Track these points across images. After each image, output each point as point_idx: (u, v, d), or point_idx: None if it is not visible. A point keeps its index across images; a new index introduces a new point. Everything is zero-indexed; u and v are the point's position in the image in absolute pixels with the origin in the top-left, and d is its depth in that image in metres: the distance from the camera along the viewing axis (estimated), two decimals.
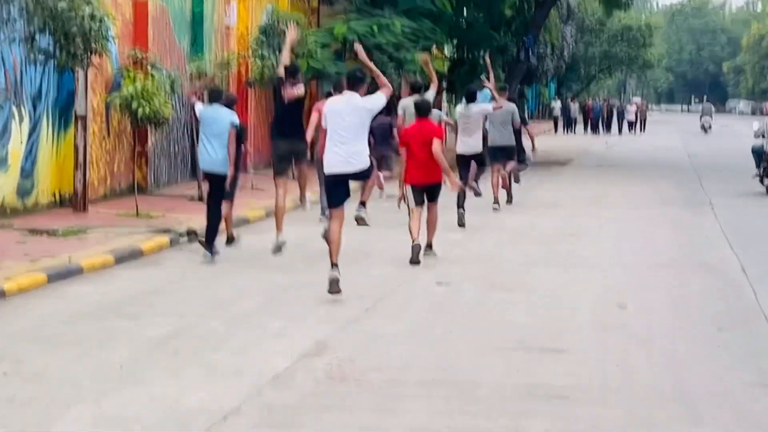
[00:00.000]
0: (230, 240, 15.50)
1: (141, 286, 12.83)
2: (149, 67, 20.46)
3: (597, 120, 67.33)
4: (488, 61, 23.44)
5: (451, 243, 16.42)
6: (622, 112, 70.00)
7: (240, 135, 14.97)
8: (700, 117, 69.34)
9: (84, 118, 18.52)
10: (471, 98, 19.51)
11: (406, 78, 29.81)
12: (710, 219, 20.40)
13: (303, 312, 11.32)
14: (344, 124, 12.20)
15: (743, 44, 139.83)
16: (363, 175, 12.50)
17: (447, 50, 42.60)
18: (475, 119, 19.05)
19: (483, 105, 19.96)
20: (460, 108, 19.68)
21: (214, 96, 15.06)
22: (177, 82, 21.02)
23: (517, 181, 22.98)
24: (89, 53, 16.89)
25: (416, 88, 16.91)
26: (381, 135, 19.05)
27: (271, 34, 26.17)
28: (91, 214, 18.20)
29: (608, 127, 67.98)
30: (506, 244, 16.75)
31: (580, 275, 13.87)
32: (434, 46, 34.61)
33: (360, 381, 8.60)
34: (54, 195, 18.73)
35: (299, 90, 14.40)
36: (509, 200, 22.29)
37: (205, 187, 15.64)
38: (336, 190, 12.37)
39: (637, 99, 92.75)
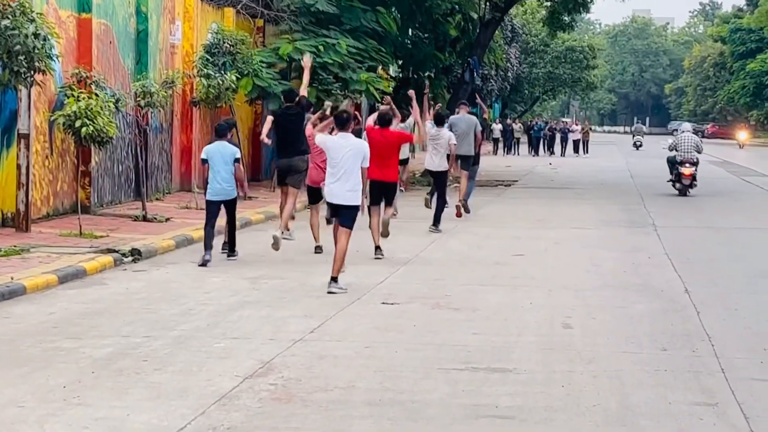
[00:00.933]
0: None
1: (84, 306, 12.72)
2: (93, 86, 20.34)
3: (537, 140, 66.25)
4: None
5: (396, 263, 16.45)
6: (566, 133, 69.35)
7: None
8: (633, 136, 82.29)
9: (27, 137, 18.35)
10: (440, 122, 21.62)
11: (352, 99, 29.98)
12: (654, 240, 20.56)
13: (248, 332, 11.28)
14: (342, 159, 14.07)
15: (685, 66, 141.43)
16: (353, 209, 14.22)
17: (392, 70, 42.71)
18: (444, 141, 21.29)
19: (450, 132, 21.91)
20: (430, 129, 21.45)
21: (221, 129, 16.99)
22: (121, 101, 20.92)
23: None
24: (33, 71, 16.73)
25: (385, 121, 17.36)
26: None
27: (216, 53, 26.11)
28: (34, 234, 18.02)
29: (551, 149, 67.00)
30: (452, 265, 16.77)
31: (526, 295, 13.91)
32: (379, 66, 34.71)
33: (306, 401, 8.57)
34: None
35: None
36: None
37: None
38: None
39: (567, 119, 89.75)
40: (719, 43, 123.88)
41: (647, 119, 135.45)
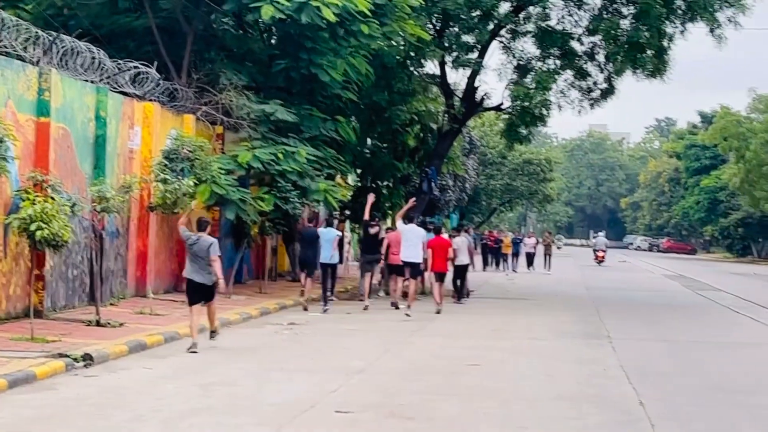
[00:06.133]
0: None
1: (34, 411, 12.53)
2: (50, 190, 20.25)
3: (483, 252, 59.24)
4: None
5: (350, 371, 16.35)
6: (517, 244, 60.68)
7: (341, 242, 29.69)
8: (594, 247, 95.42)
9: None
10: (457, 231, 35.45)
11: (310, 207, 30.15)
12: (608, 352, 20.57)
13: None
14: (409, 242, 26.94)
15: (641, 181, 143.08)
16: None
17: (351, 179, 42.91)
18: (464, 245, 32.92)
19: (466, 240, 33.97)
20: (455, 238, 32.96)
21: (329, 222, 29.24)
22: (78, 205, 20.82)
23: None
24: None
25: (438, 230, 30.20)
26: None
27: (174, 159, 26.13)
28: None
29: (496, 263, 60.11)
30: (407, 374, 16.68)
31: (482, 406, 13.83)
32: (338, 174, 34.84)
33: None
34: None
35: (375, 229, 29.96)
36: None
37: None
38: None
39: (509, 233, 77.27)
40: (674, 159, 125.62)
41: (603, 233, 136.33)
